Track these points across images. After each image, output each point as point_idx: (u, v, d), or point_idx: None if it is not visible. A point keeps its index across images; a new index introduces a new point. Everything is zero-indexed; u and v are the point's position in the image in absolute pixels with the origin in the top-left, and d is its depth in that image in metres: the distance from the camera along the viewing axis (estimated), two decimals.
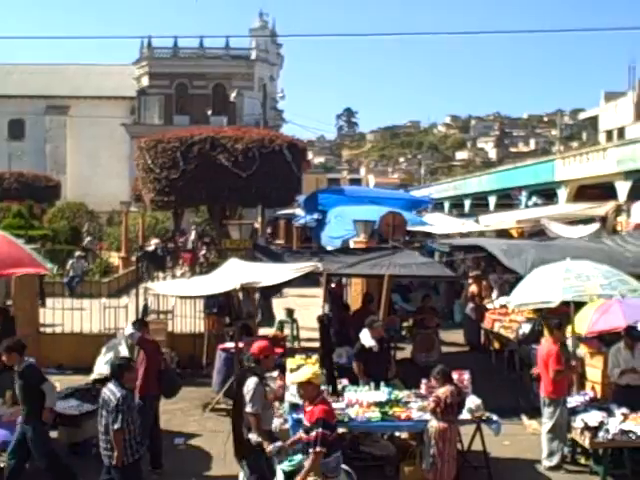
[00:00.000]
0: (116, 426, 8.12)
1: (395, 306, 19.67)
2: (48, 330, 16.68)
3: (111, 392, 8.28)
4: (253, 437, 8.23)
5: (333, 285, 18.74)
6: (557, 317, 11.81)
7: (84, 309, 16.73)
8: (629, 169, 27.05)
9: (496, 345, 17.38)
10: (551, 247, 14.17)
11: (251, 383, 8.25)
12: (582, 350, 12.66)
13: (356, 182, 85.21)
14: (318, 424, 7.63)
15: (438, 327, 16.19)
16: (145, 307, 16.92)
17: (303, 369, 8.44)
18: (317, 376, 8.10)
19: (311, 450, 7.62)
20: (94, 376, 13.03)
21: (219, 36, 73.08)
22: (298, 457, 9.33)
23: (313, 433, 7.62)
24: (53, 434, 11.07)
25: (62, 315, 16.93)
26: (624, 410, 10.27)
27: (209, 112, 54.35)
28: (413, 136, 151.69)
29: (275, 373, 11.13)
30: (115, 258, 32.77)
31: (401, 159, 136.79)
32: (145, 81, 57.18)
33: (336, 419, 8.21)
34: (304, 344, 17.06)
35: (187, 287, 13.64)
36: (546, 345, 10.92)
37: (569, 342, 11.65)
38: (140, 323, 11.74)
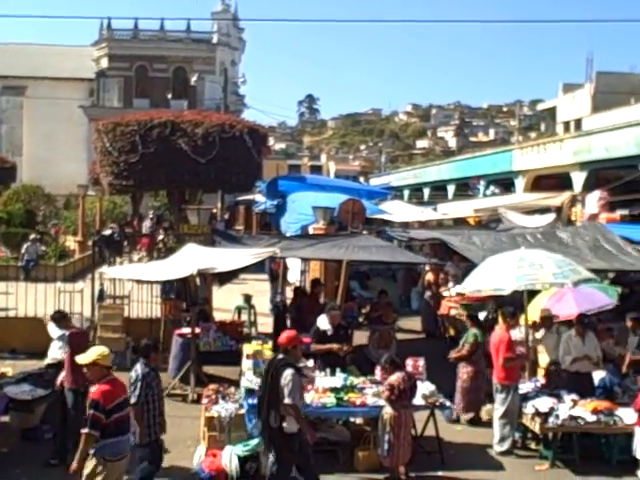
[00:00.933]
0: (132, 400, 8.18)
1: (353, 293, 19.79)
2: (1, 314, 16.43)
3: (135, 370, 8.49)
4: (288, 426, 8.24)
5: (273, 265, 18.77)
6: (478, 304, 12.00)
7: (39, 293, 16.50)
8: (585, 160, 27.45)
9: (452, 332, 17.59)
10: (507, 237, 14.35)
11: (288, 375, 8.25)
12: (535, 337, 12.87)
13: (317, 169, 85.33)
14: (90, 405, 7.55)
15: (395, 322, 15.67)
16: (101, 292, 16.76)
17: (90, 350, 8.20)
18: (103, 357, 7.95)
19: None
20: (48, 361, 12.88)
21: (180, 18, 72.42)
22: (254, 442, 9.38)
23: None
24: (5, 419, 10.96)
25: (16, 299, 16.68)
26: (574, 396, 10.49)
27: (169, 96, 53.78)
28: (374, 124, 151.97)
29: (310, 362, 11.08)
30: (72, 242, 32.36)
31: (362, 146, 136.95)
32: (104, 63, 56.33)
33: (119, 401, 7.84)
34: (261, 330, 17.05)
35: (143, 272, 13.55)
36: (498, 332, 11.09)
37: (522, 330, 11.84)
38: (58, 318, 11.45)
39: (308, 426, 8.38)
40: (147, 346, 8.84)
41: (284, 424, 8.22)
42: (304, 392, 8.73)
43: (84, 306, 15.67)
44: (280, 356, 8.52)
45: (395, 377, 9.41)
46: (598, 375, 11.44)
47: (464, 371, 12.05)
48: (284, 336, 8.70)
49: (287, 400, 8.17)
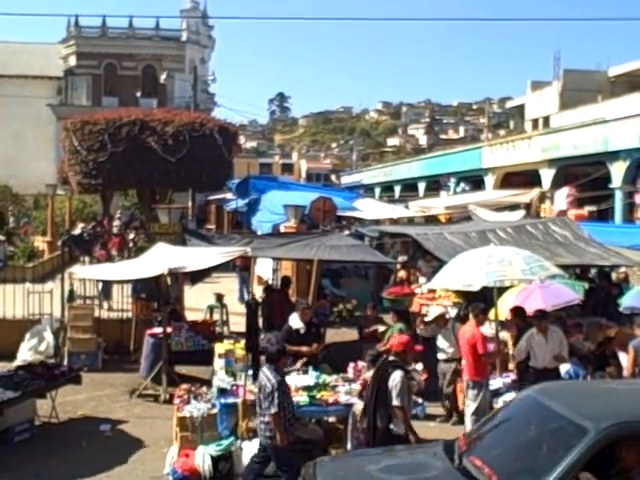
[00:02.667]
0: (272, 410, 8.33)
1: (325, 291, 19.81)
2: None
3: (267, 378, 8.49)
4: (396, 428, 8.27)
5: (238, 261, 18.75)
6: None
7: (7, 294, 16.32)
8: (553, 157, 27.78)
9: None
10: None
11: (397, 377, 8.30)
12: (505, 334, 13.00)
13: (288, 167, 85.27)
14: None
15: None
16: (71, 292, 16.62)
17: None
18: None
19: None
20: (17, 363, 12.78)
21: (149, 16, 71.77)
22: (226, 441, 9.37)
23: None
24: None
25: None
26: None
27: (138, 94, 53.33)
28: (345, 122, 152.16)
29: (419, 366, 11.10)
30: (41, 242, 32.02)
31: (333, 144, 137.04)
32: (72, 61, 55.72)
33: None
34: (234, 329, 17.02)
35: (113, 271, 13.47)
36: (469, 329, 11.15)
37: (492, 326, 11.95)
38: None
39: (412, 429, 8.43)
40: (278, 351, 8.90)
41: (391, 425, 8.29)
42: (411, 395, 8.85)
43: (54, 307, 15.51)
44: (390, 358, 8.59)
45: (369, 374, 9.46)
46: (563, 368, 11.57)
47: None
48: (397, 341, 8.85)
49: (395, 402, 8.26)
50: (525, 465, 6.19)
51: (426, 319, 12.52)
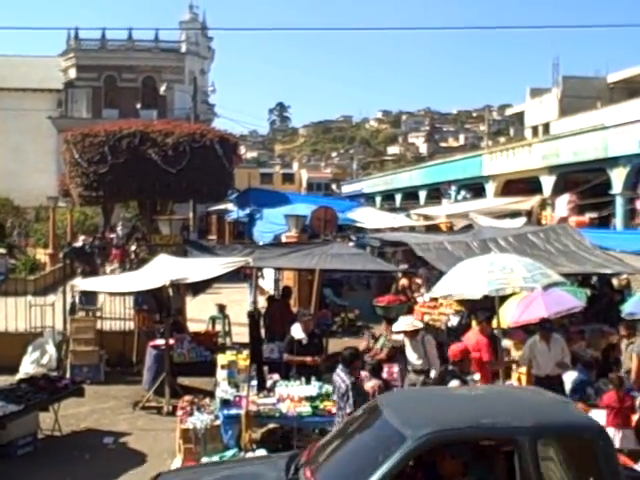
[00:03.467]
0: (348, 410, 8.49)
1: (327, 300, 19.83)
2: None
3: (341, 379, 8.71)
4: None
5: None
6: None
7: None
8: (553, 164, 27.80)
9: None
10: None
11: (454, 386, 8.34)
12: (507, 341, 12.98)
13: (289, 177, 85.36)
14: None
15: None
16: (73, 305, 16.61)
17: None
18: None
19: None
20: (20, 376, 12.76)
21: (148, 28, 71.99)
22: (229, 453, 9.33)
23: None
24: None
25: None
26: None
27: (138, 105, 53.44)
28: (345, 131, 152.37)
29: (477, 376, 10.92)
30: (42, 255, 32.02)
31: (333, 154, 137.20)
32: (72, 73, 55.86)
33: None
34: (236, 340, 17.00)
35: (115, 284, 13.46)
36: (473, 337, 11.15)
37: (495, 333, 11.92)
38: None
39: None
40: (351, 355, 9.02)
41: None
42: None
43: (56, 319, 15.51)
44: (449, 367, 8.62)
45: (371, 384, 9.46)
46: (570, 376, 11.55)
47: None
48: (455, 349, 8.83)
49: None
50: (347, 474, 6.19)
51: (394, 328, 12.34)
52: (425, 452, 6.01)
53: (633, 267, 13.80)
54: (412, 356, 11.78)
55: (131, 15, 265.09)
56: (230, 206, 32.18)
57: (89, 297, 17.19)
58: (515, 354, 12.84)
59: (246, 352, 12.29)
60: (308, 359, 11.53)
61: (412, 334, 11.92)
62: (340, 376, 8.79)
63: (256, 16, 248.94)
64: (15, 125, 52.72)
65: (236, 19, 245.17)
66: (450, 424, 6.12)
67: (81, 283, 15.19)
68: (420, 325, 12.38)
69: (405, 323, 12.00)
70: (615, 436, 9.27)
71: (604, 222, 25.39)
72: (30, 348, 13.74)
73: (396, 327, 12.05)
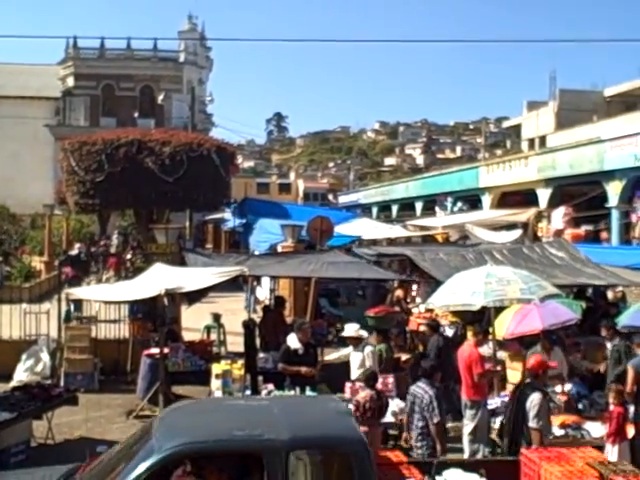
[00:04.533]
0: (435, 420, 8.74)
1: (322, 310, 19.78)
2: None
3: (424, 390, 8.91)
4: None
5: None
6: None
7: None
8: (549, 176, 27.87)
9: (421, 348, 17.61)
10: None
11: (536, 399, 8.37)
12: (503, 353, 12.98)
13: (285, 187, 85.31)
14: None
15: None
16: (68, 313, 16.57)
17: None
18: None
19: None
20: (13, 383, 12.71)
21: (147, 38, 72.24)
22: None
23: None
24: None
25: None
26: None
27: (136, 114, 53.52)
28: (342, 141, 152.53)
29: (559, 388, 11.01)
30: (38, 262, 31.96)
31: (330, 164, 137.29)
32: (70, 82, 55.95)
33: None
34: (231, 349, 16.96)
35: (110, 292, 13.44)
36: (467, 349, 11.14)
37: (490, 345, 11.92)
38: None
39: None
40: (432, 367, 9.25)
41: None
42: (551, 417, 8.90)
43: (51, 327, 15.46)
44: (528, 380, 8.60)
45: (363, 394, 9.43)
46: (565, 388, 11.54)
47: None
48: (534, 361, 8.87)
49: (532, 424, 8.32)
50: None
51: (344, 334, 12.32)
52: (173, 464, 6.01)
53: (627, 279, 13.84)
54: (355, 364, 11.83)
55: (130, 25, 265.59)
56: (226, 215, 32.24)
57: (77, 304, 17.13)
58: (510, 365, 12.84)
59: (241, 361, 12.28)
60: (303, 369, 11.50)
61: (355, 342, 11.99)
62: (422, 388, 8.97)
63: (254, 27, 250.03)
64: (13, 132, 52.73)
65: (234, 29, 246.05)
66: (198, 437, 6.11)
67: (77, 291, 15.15)
68: (364, 334, 12.40)
69: (352, 329, 12.04)
70: (612, 450, 9.25)
71: (600, 235, 25.47)
72: (24, 356, 13.67)
73: (345, 333, 12.09)
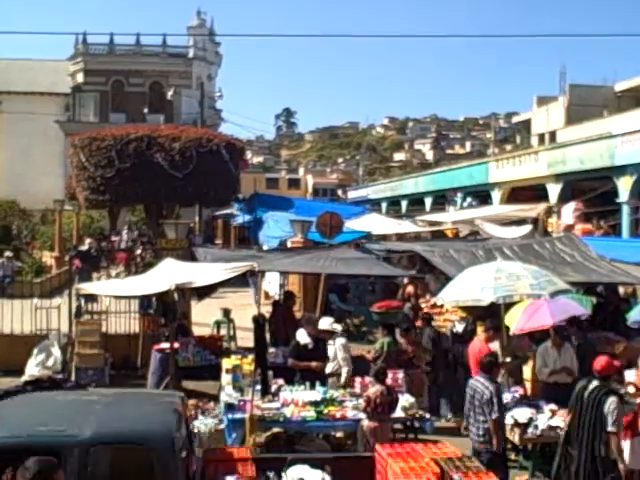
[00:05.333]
0: (494, 415, 8.78)
1: (332, 306, 19.79)
2: None
3: (484, 385, 8.93)
4: (614, 456, 8.29)
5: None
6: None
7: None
8: (559, 172, 27.76)
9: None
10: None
11: (614, 403, 8.28)
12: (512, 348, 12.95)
13: (295, 182, 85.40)
14: None
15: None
16: (78, 307, 16.65)
17: None
18: None
19: None
20: (25, 378, 12.79)
21: (156, 34, 72.06)
22: None
23: None
24: None
25: None
26: (552, 406, 10.52)
27: (146, 110, 53.63)
28: (351, 137, 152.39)
29: (631, 388, 10.84)
30: (48, 258, 32.09)
31: (339, 159, 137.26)
32: (80, 77, 56.09)
33: None
34: (241, 344, 17.01)
35: (120, 287, 13.47)
36: (477, 344, 11.14)
37: (499, 341, 11.90)
38: None
39: (622, 456, 8.37)
40: (490, 363, 9.23)
41: (610, 454, 8.26)
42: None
43: (61, 322, 15.54)
44: (595, 383, 8.50)
45: (373, 390, 9.45)
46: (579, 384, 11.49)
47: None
48: (603, 363, 8.66)
49: (611, 428, 8.24)
50: None
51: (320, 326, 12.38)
52: None
53: (638, 278, 13.76)
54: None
55: (139, 20, 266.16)
56: (236, 211, 32.28)
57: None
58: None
59: (251, 356, 12.30)
60: (314, 364, 11.52)
61: (329, 335, 12.01)
62: (481, 382, 8.97)
63: (263, 22, 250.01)
64: (23, 128, 52.93)
65: (243, 25, 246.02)
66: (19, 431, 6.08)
67: (87, 286, 15.20)
68: (338, 328, 12.40)
69: (327, 323, 12.08)
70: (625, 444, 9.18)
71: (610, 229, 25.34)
72: (35, 350, 13.75)
73: (320, 326, 12.07)
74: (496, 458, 8.77)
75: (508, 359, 11.57)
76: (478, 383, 9.02)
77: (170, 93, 47.36)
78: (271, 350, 13.29)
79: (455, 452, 7.92)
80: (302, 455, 8.43)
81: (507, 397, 11.06)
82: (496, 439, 8.79)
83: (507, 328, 12.04)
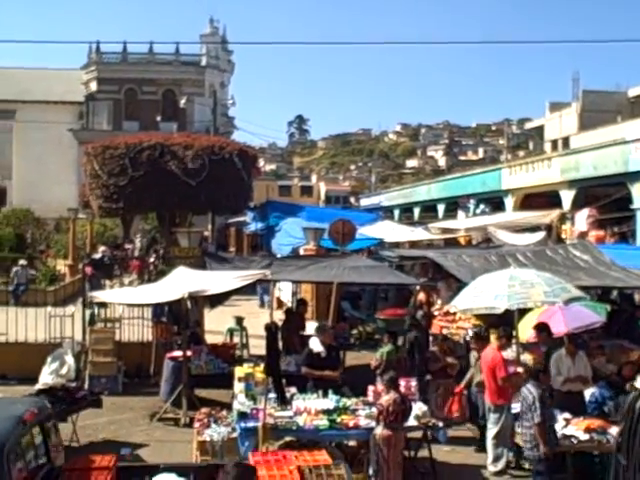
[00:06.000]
0: (536, 420, 8.89)
1: (345, 313, 19.78)
2: None
3: (529, 391, 9.08)
4: None
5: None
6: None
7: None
8: (573, 178, 27.61)
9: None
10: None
11: None
12: (527, 356, 12.88)
13: (307, 189, 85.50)
14: None
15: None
16: (92, 315, 16.70)
17: None
18: None
19: None
20: (39, 386, 12.82)
21: (169, 42, 72.41)
22: None
23: None
24: None
25: (6, 324, 16.59)
26: (566, 415, 10.45)
27: (159, 118, 53.91)
28: (364, 144, 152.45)
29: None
30: (62, 266, 32.23)
31: (352, 166, 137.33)
32: (94, 86, 56.47)
33: None
34: (254, 352, 17.01)
35: (134, 295, 13.53)
36: (490, 352, 11.08)
37: (514, 349, 11.85)
38: None
39: None
40: (537, 370, 9.49)
41: None
42: None
43: (75, 330, 15.59)
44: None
45: (387, 398, 9.40)
46: (589, 391, 11.43)
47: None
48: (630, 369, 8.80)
49: None
50: None
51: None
52: None
53: None
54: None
55: (152, 29, 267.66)
56: (248, 218, 32.32)
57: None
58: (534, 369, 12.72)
59: (264, 364, 12.30)
60: (327, 373, 11.49)
61: None
62: (528, 388, 9.10)
63: (276, 29, 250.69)
64: (37, 137, 53.30)
65: (256, 33, 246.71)
66: None
67: (101, 294, 15.26)
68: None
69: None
70: None
71: (624, 237, 25.18)
72: (49, 359, 13.79)
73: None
74: (542, 464, 8.88)
75: (520, 369, 11.50)
76: (525, 389, 9.17)
77: (183, 101, 47.58)
78: (283, 358, 13.29)
79: (326, 460, 7.95)
80: (171, 463, 8.29)
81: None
82: (542, 444, 8.88)
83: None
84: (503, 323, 12.41)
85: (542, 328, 12.20)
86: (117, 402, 13.92)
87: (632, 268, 13.83)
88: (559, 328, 11.98)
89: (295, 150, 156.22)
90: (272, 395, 10.69)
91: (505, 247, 17.51)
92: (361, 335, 20.20)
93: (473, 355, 12.28)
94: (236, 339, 18.00)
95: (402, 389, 10.63)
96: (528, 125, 66.79)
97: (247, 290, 17.05)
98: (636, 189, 24.56)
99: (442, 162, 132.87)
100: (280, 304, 21.05)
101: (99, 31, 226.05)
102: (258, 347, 16.82)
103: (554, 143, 48.70)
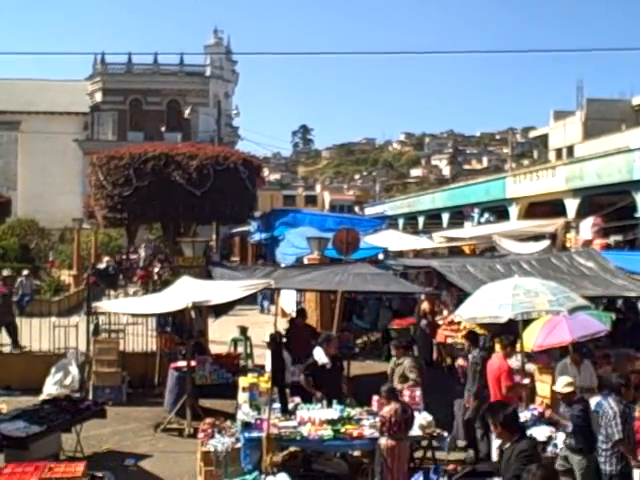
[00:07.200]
0: (616, 437, 8.38)
1: (349, 323, 19.73)
2: None
3: (609, 406, 8.59)
4: None
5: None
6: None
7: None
8: (577, 187, 27.57)
9: (448, 360, 17.53)
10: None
11: None
12: (532, 365, 12.84)
13: (312, 199, 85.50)
14: None
15: None
16: (96, 326, 16.70)
17: None
18: None
19: None
20: (43, 397, 12.81)
21: (174, 53, 72.83)
22: (250, 476, 9.30)
23: None
24: None
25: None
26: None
27: (163, 128, 54.05)
28: (368, 153, 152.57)
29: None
30: (67, 276, 32.26)
31: (356, 176, 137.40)
32: (98, 97, 56.67)
33: None
34: (258, 362, 16.98)
35: (138, 305, 13.52)
36: (496, 361, 11.04)
37: (519, 357, 11.80)
38: None
39: None
40: (618, 383, 8.97)
41: None
42: None
43: (79, 341, 15.59)
44: None
45: (388, 409, 9.36)
46: (593, 400, 11.36)
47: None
48: None
49: None
50: None
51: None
52: None
53: None
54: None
55: (157, 40, 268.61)
56: (253, 228, 32.33)
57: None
58: (539, 378, 12.69)
59: (268, 374, 12.26)
60: (318, 395, 11.26)
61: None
62: (609, 402, 8.75)
63: (280, 39, 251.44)
64: (42, 147, 53.51)
65: (260, 43, 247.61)
66: None
67: (105, 304, 15.26)
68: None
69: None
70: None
71: (629, 245, 25.12)
72: (53, 369, 13.80)
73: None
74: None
75: (526, 380, 11.46)
76: (606, 402, 8.73)
77: (187, 111, 47.61)
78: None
79: (75, 473, 7.89)
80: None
81: (526, 415, 10.96)
82: (632, 459, 8.51)
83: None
84: (507, 332, 12.37)
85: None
86: (121, 412, 13.89)
87: (636, 273, 13.82)
88: (564, 337, 11.94)
89: (299, 160, 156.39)
90: (276, 405, 10.66)
91: (510, 256, 17.47)
92: (365, 344, 20.17)
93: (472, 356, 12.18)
94: (240, 349, 17.99)
95: (406, 398, 10.61)
96: (532, 134, 66.76)
97: (251, 300, 17.06)
98: None
99: (446, 171, 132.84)
100: (284, 314, 21.02)
101: (104, 42, 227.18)
102: (262, 357, 16.82)
103: (558, 152, 48.66)
